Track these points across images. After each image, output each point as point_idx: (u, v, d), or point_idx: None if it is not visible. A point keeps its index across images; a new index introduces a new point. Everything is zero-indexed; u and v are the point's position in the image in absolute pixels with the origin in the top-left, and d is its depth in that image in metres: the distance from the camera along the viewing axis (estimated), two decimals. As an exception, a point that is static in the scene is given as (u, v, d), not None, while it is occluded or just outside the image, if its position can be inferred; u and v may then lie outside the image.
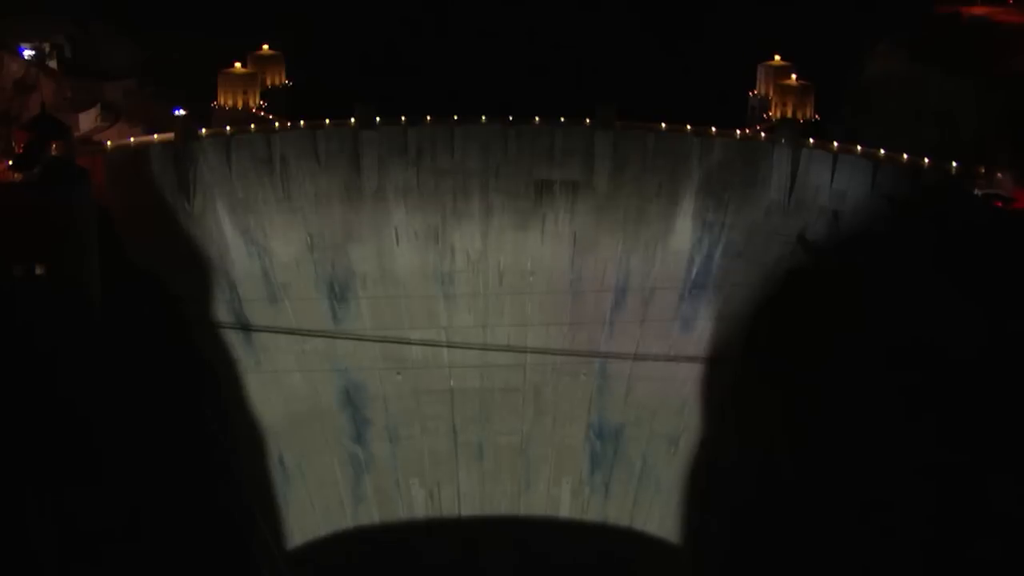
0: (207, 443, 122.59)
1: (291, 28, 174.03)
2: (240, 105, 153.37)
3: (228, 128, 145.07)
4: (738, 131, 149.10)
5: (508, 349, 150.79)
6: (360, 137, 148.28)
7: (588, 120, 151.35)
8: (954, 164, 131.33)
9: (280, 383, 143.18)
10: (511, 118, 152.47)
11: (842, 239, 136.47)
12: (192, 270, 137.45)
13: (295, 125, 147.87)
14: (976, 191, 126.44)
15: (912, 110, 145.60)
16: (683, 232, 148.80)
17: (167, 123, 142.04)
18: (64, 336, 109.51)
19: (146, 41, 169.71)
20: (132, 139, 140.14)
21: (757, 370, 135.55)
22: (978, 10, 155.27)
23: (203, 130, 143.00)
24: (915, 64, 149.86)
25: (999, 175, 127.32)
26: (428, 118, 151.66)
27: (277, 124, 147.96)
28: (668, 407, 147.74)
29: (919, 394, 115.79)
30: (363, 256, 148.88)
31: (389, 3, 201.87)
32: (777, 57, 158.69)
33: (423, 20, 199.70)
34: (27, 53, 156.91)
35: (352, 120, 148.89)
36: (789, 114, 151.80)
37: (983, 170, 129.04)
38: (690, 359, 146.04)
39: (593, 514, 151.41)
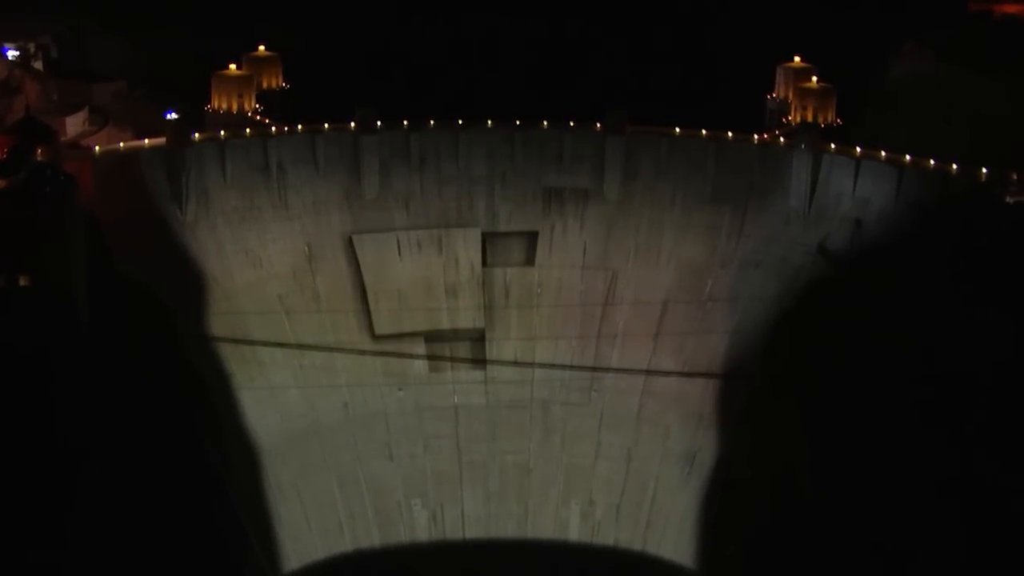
0: (200, 462, 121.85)
1: (288, 28, 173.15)
2: (235, 108, 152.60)
3: (222, 132, 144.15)
4: (756, 136, 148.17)
5: (515, 364, 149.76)
6: (360, 142, 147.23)
7: (598, 125, 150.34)
8: (984, 170, 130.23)
9: (276, 399, 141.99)
10: (518, 123, 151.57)
11: (865, 249, 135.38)
12: (185, 281, 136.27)
13: (292, 129, 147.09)
14: (1008, 198, 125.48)
15: (940, 113, 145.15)
16: (698, 242, 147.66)
17: (158, 127, 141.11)
18: (50, 350, 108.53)
19: (137, 41, 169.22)
20: (122, 144, 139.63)
21: (775, 386, 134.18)
22: (1011, 8, 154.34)
23: (196, 134, 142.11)
24: (944, 65, 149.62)
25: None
26: (432, 122, 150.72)
27: (274, 128, 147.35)
28: (682, 425, 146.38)
29: (944, 409, 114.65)
30: (363, 266, 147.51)
31: (391, 3, 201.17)
32: (797, 58, 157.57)
33: (426, 21, 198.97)
34: (11, 53, 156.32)
35: (352, 124, 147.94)
36: (809, 118, 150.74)
37: (1015, 176, 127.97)
38: (705, 375, 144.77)
39: (604, 537, 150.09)
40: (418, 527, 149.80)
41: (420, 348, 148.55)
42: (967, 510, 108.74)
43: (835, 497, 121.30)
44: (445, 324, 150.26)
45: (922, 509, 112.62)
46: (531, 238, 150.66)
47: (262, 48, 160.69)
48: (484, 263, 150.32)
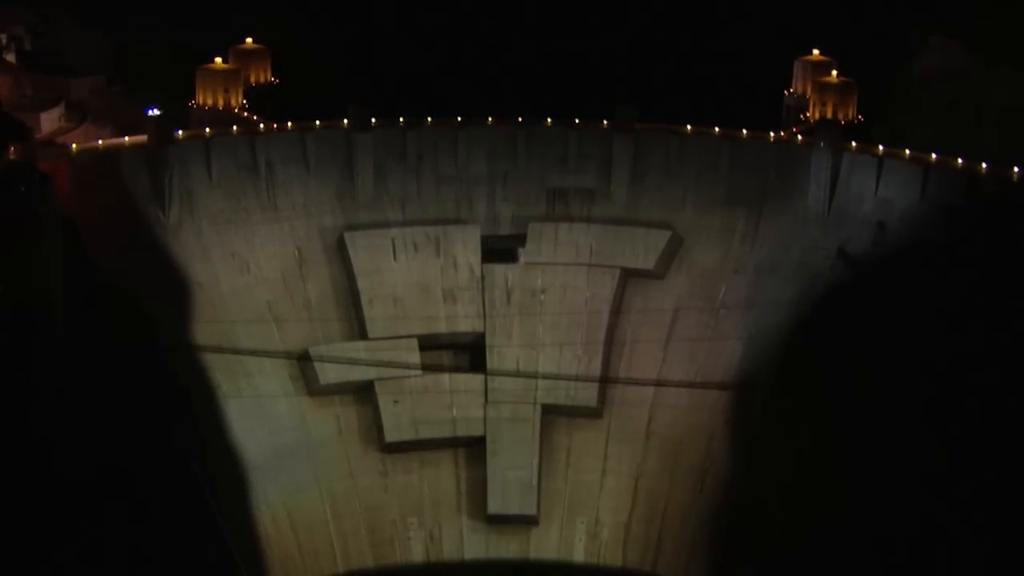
0: (182, 479, 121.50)
1: (277, 19, 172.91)
2: (221, 104, 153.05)
3: (207, 130, 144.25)
4: (772, 134, 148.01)
5: (517, 374, 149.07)
6: (354, 140, 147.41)
7: (606, 122, 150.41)
8: (1015, 169, 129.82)
9: (265, 411, 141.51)
10: (520, 120, 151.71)
11: (888, 253, 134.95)
12: (168, 287, 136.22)
13: (282, 127, 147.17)
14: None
15: (970, 110, 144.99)
16: (710, 245, 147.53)
17: (139, 124, 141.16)
18: (24, 361, 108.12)
19: (117, 33, 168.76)
20: (100, 142, 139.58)
21: (792, 397, 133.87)
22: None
23: (180, 132, 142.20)
24: (974, 58, 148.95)
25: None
26: (429, 119, 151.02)
27: (262, 126, 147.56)
28: (694, 438, 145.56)
29: (971, 426, 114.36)
30: (356, 271, 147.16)
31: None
32: (816, 51, 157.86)
33: (422, 14, 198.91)
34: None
35: (345, 122, 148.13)
36: (829, 115, 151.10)
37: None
38: (718, 385, 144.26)
39: (611, 559, 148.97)
40: (414, 548, 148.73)
41: (416, 356, 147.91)
42: (991, 526, 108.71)
43: (854, 514, 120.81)
44: (443, 330, 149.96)
45: (944, 527, 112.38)
46: (533, 241, 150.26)
47: (249, 40, 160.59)
48: (484, 267, 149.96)
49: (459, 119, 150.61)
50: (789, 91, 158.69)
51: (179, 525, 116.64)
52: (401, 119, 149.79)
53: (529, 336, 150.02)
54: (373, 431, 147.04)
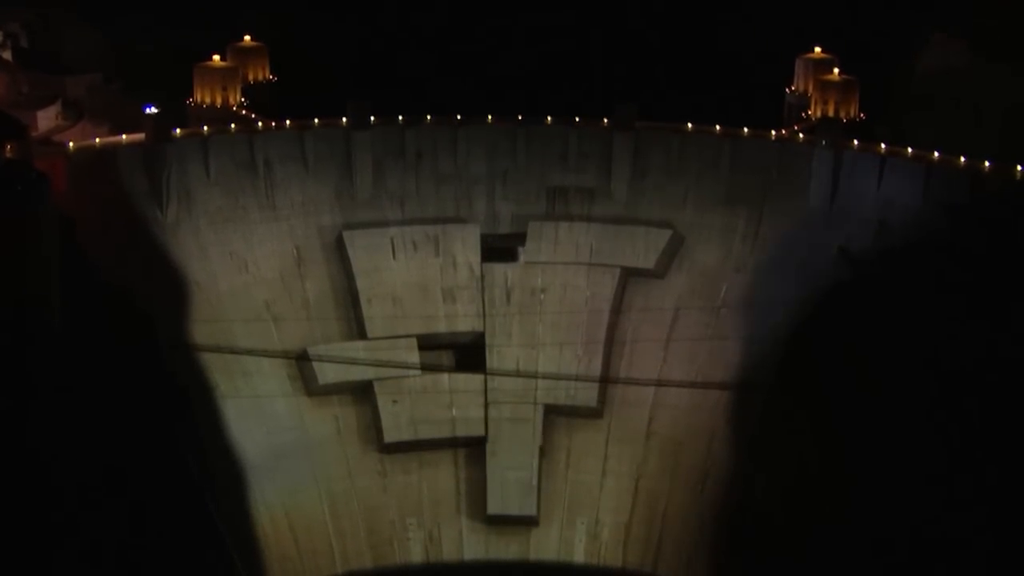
0: (180, 479, 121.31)
1: (278, 19, 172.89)
2: (219, 102, 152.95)
3: (205, 128, 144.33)
4: (773, 132, 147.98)
5: (517, 374, 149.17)
6: (352, 138, 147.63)
7: (606, 121, 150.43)
8: (1019, 168, 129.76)
9: (263, 412, 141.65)
10: (520, 118, 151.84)
11: (889, 251, 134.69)
12: (165, 286, 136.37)
13: (280, 125, 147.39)
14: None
15: (972, 109, 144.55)
16: (711, 244, 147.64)
17: (137, 122, 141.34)
18: (23, 361, 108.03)
19: (116, 33, 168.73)
20: (98, 140, 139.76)
21: (792, 397, 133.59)
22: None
23: (177, 130, 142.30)
24: (977, 57, 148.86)
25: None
26: (428, 117, 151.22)
27: (260, 124, 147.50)
28: (694, 439, 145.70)
29: (971, 426, 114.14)
30: (355, 270, 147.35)
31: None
32: (818, 49, 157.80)
33: (422, 14, 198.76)
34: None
35: (344, 120, 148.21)
36: (831, 113, 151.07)
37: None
38: (719, 385, 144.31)
39: (611, 559, 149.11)
40: (413, 549, 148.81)
41: (415, 356, 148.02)
42: (991, 526, 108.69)
43: (854, 514, 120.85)
44: (442, 329, 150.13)
45: (944, 527, 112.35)
46: (534, 240, 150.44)
47: (248, 38, 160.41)
48: (483, 266, 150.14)
49: (459, 117, 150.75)
50: (791, 89, 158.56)
51: (178, 525, 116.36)
52: (400, 117, 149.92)
53: (529, 336, 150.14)
54: (372, 431, 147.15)
